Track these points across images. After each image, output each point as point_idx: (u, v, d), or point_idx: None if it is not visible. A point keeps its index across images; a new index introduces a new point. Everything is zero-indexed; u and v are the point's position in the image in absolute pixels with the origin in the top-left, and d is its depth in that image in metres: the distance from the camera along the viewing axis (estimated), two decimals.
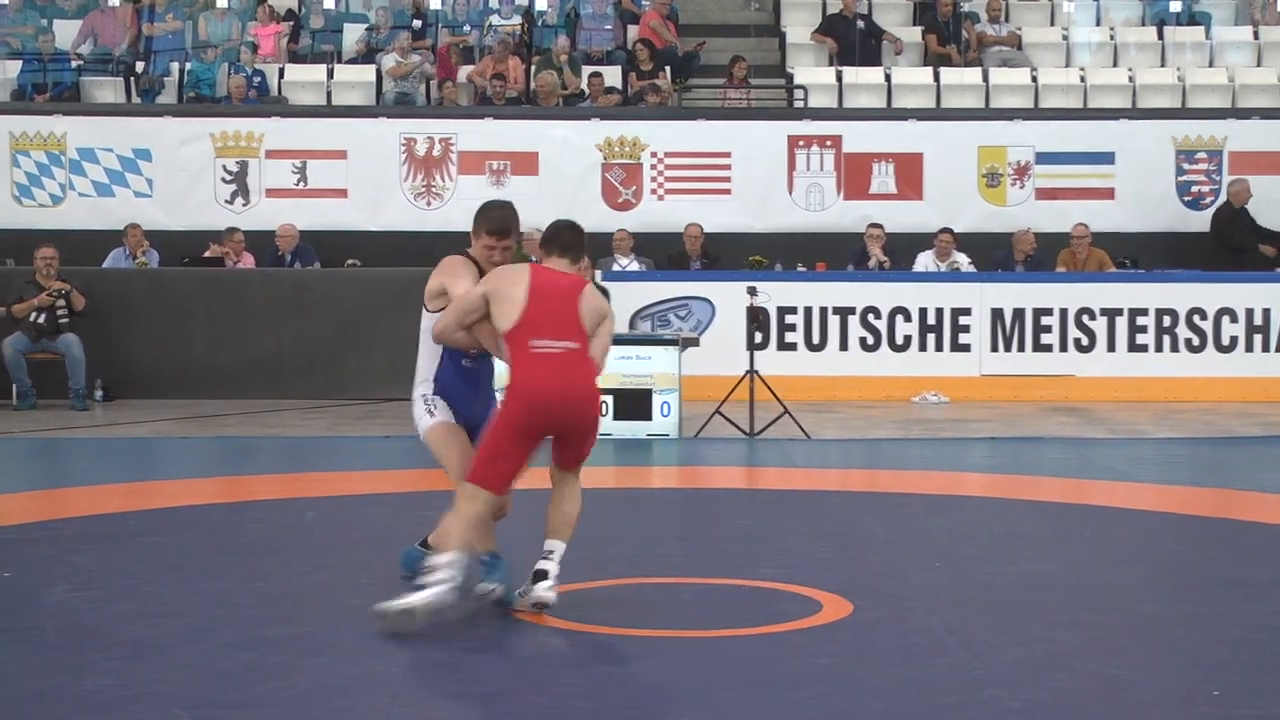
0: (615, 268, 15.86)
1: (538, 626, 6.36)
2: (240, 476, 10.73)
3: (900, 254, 16.40)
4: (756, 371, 12.78)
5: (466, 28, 19.97)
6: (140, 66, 19.15)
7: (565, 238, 6.69)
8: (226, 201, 17.44)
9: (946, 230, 16.30)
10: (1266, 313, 15.50)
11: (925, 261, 16.18)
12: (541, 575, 6.46)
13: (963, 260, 16.19)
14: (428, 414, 6.75)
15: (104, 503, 9.49)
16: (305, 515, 9.02)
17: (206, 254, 16.19)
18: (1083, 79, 19.01)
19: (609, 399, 12.45)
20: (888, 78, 19.09)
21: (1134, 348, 15.51)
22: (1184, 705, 5.34)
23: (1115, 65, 19.54)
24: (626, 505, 9.82)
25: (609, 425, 12.42)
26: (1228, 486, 10.56)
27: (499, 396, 6.60)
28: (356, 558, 7.80)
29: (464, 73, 19.11)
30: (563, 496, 6.68)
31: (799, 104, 18.62)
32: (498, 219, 6.72)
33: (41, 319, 14.63)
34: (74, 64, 19.15)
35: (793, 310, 15.47)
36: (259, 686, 5.50)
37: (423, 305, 6.79)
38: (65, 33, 19.54)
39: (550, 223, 6.79)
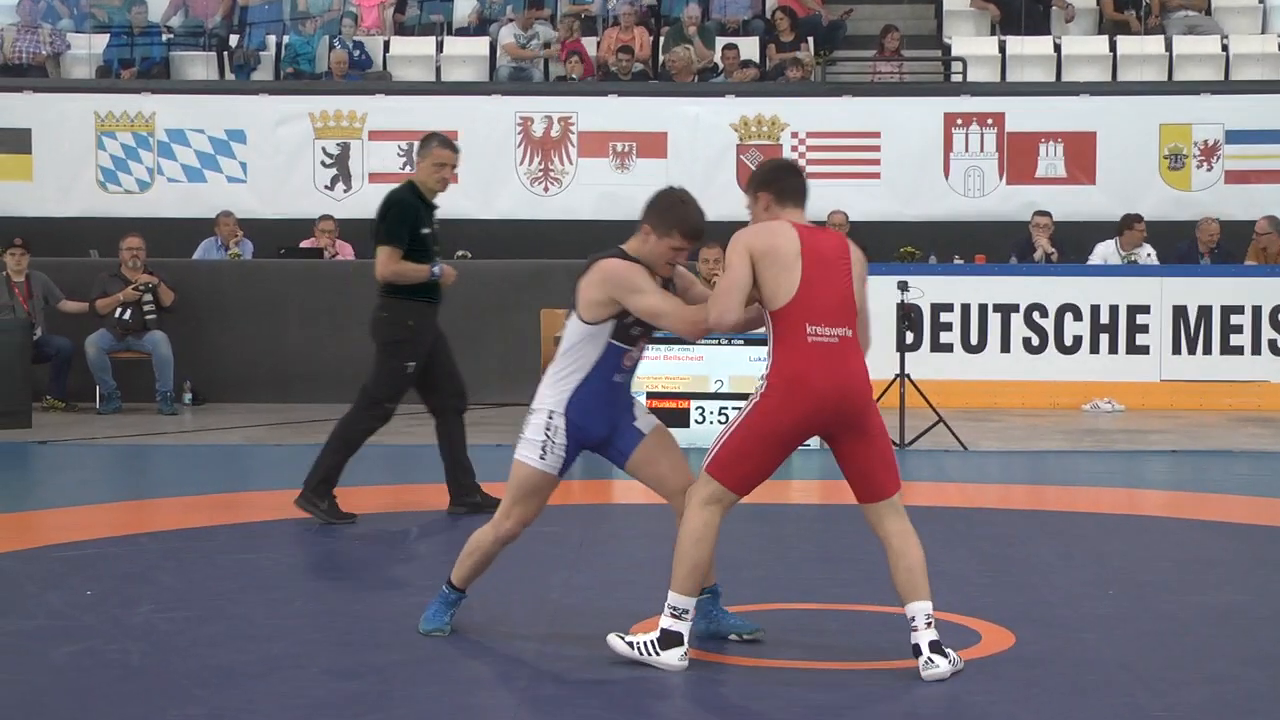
0: None
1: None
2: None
3: (1069, 245, 16.20)
4: (908, 375, 12.69)
5: None
6: (234, 40, 19.46)
7: (795, 182, 6.37)
8: (326, 187, 17.66)
9: (1138, 218, 16.03)
10: None
11: (1105, 252, 15.97)
12: (936, 647, 5.94)
13: (1144, 253, 15.96)
14: (540, 450, 6.38)
15: (192, 516, 9.63)
16: (409, 532, 9.08)
17: (304, 244, 16.38)
18: None
19: (743, 405, 12.37)
20: (1057, 48, 18.89)
21: None
22: None
23: None
24: (761, 522, 9.78)
25: None
26: None
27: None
28: None
29: (587, 45, 19.17)
30: (899, 544, 6.12)
31: (957, 78, 18.48)
32: (696, 219, 6.24)
33: (127, 315, 14.88)
34: (164, 38, 19.50)
35: (948, 308, 15.34)
36: (359, 719, 5.54)
37: (573, 312, 6.37)
38: (155, 4, 19.90)
39: (761, 164, 6.56)
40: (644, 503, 11.02)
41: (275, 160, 17.67)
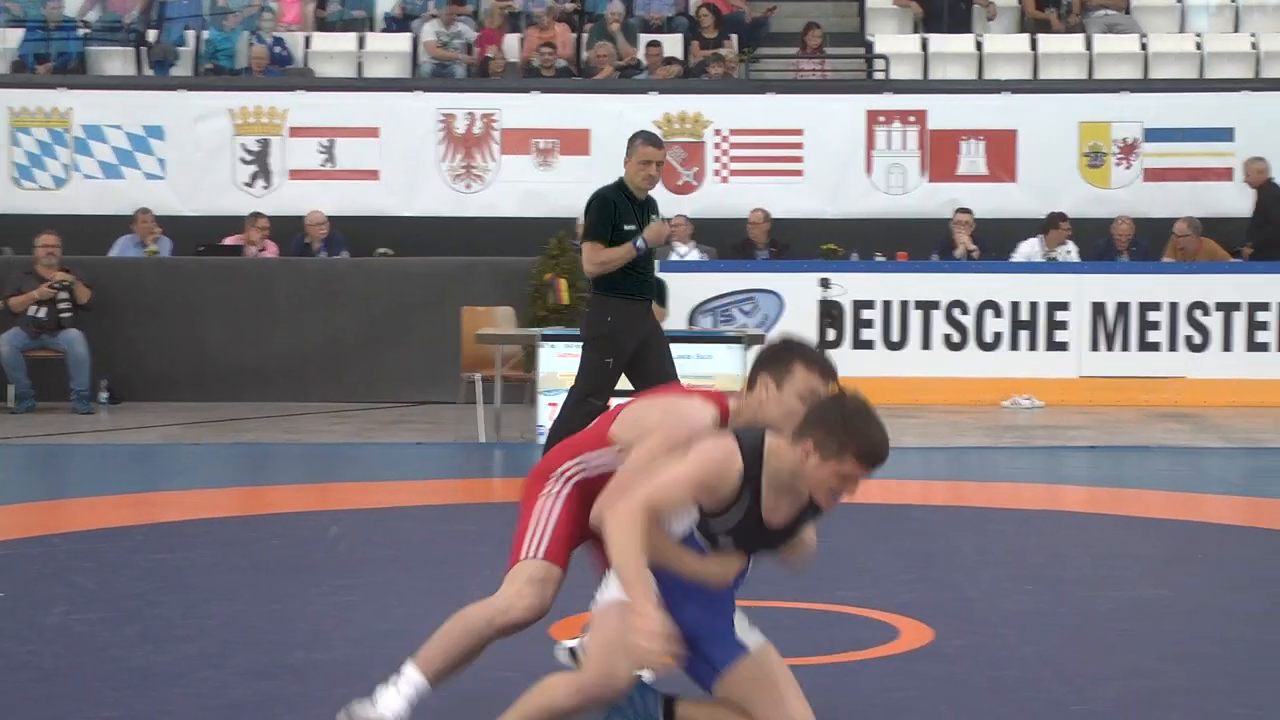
0: (673, 257, 15.83)
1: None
2: (258, 487, 10.78)
3: (991, 242, 16.30)
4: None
5: None
6: (152, 35, 19.29)
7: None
8: (246, 184, 17.53)
9: (1062, 216, 16.15)
10: None
11: (1029, 250, 16.08)
12: None
13: (1065, 251, 16.08)
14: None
15: (108, 515, 9.54)
16: (329, 530, 9.03)
17: (224, 242, 16.26)
18: (1199, 46, 18.86)
19: None
20: (979, 46, 19.00)
21: (1253, 346, 15.35)
22: None
23: (1236, 31, 19.37)
24: None
25: None
26: None
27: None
28: (385, 577, 7.80)
29: (510, 42, 19.13)
30: None
31: (879, 75, 18.55)
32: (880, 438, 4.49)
33: (42, 313, 14.73)
34: (80, 32, 19.30)
35: (870, 305, 15.41)
36: (277, 719, 5.50)
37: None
38: None
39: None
40: None
41: (194, 157, 17.53)
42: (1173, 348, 15.37)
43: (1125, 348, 15.36)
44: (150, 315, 15.25)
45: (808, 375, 4.67)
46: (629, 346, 9.49)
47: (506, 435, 12.80)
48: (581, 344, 9.74)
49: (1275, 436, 13.35)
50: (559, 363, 12.51)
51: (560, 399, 12.38)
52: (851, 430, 4.41)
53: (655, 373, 9.38)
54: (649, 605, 4.30)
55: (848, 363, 14.22)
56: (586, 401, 9.35)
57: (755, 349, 12.78)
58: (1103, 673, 6.05)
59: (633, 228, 9.48)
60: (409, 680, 4.98)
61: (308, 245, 16.45)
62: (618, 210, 9.51)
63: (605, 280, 9.51)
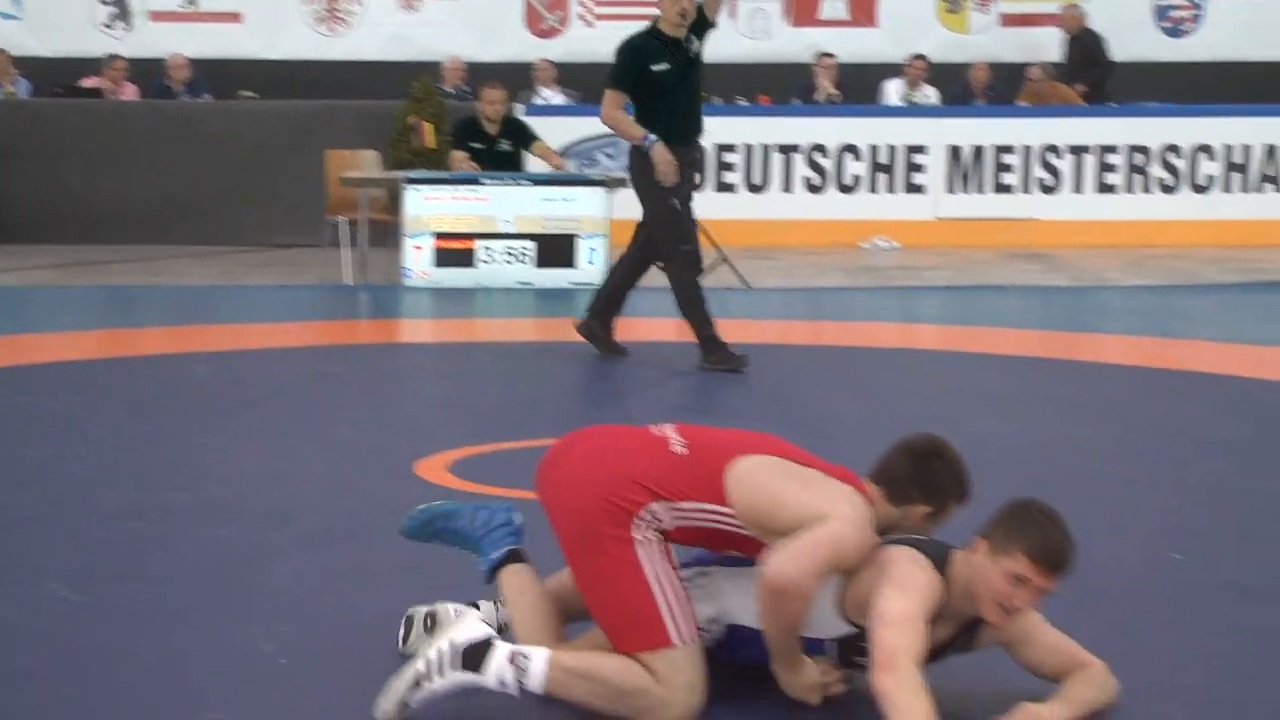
0: (537, 101, 15.72)
1: (443, 490, 6.37)
2: (123, 329, 10.65)
3: (851, 87, 16.32)
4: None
5: None
6: None
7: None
8: (105, 25, 17.13)
9: (919, 57, 16.21)
10: (1246, 149, 15.58)
11: (893, 91, 16.13)
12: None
13: (925, 94, 16.15)
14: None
15: None
16: (196, 372, 8.96)
17: (81, 84, 15.90)
18: None
19: (530, 244, 12.41)
20: None
21: (1102, 188, 15.57)
22: (1142, 571, 5.43)
23: None
24: (549, 360, 9.82)
25: (529, 274, 12.40)
26: (1202, 338, 10.68)
27: None
28: (254, 417, 7.78)
29: None
30: None
31: None
32: (1061, 543, 4.07)
33: None
34: None
35: (731, 148, 15.41)
36: (146, 558, 5.49)
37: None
38: None
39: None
40: (430, 341, 11.02)
41: None
42: (1025, 190, 15.55)
43: (980, 190, 15.52)
44: (9, 157, 14.90)
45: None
46: (685, 185, 8.97)
47: (372, 278, 12.74)
48: (639, 201, 9.11)
49: (1122, 275, 13.58)
50: (424, 206, 12.45)
51: (424, 241, 12.39)
52: (1026, 526, 3.99)
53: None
54: None
55: (709, 206, 14.23)
56: (680, 252, 8.98)
57: (618, 191, 12.78)
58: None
59: (665, 67, 8.82)
60: (534, 677, 4.05)
61: (169, 88, 16.14)
62: (646, 55, 8.87)
63: (646, 125, 8.88)
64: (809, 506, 4.04)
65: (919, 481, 4.22)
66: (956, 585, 4.05)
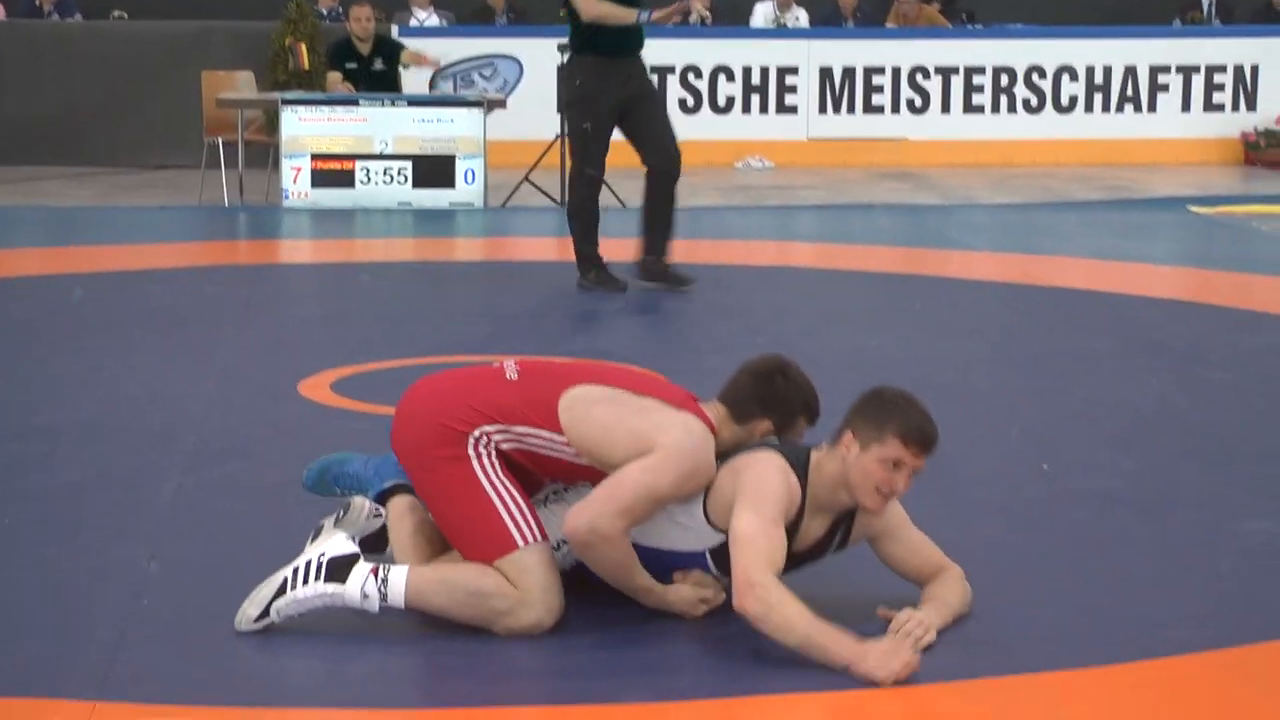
0: (412, 23, 15.52)
1: (325, 408, 6.32)
2: None
3: (723, 9, 16.27)
4: (568, 136, 12.68)
5: None
6: None
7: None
8: None
9: None
10: (1108, 70, 15.72)
11: (764, 11, 16.09)
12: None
13: (793, 17, 16.13)
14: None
15: None
16: (73, 292, 8.80)
17: None
18: None
19: (408, 165, 12.30)
20: None
21: (970, 109, 15.66)
22: (1013, 480, 5.50)
23: None
24: (429, 279, 9.76)
25: (409, 194, 12.30)
26: (1065, 254, 10.79)
27: None
28: (134, 339, 7.66)
29: None
30: None
31: None
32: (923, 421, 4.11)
33: None
34: None
35: None
36: (26, 479, 5.40)
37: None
38: None
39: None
40: (310, 262, 10.90)
41: None
42: (895, 110, 15.60)
43: (851, 110, 15.55)
44: None
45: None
46: (605, 107, 8.73)
47: (251, 199, 12.56)
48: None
49: (988, 194, 13.69)
50: (300, 127, 12.28)
51: (302, 162, 12.24)
52: (891, 411, 4.02)
53: (645, 133, 8.85)
54: (864, 651, 3.79)
55: None
56: (582, 173, 8.90)
57: (494, 112, 12.68)
58: (824, 417, 6.20)
59: None
60: (395, 589, 4.04)
61: (38, 7, 15.76)
62: None
63: (579, 38, 8.74)
64: (639, 436, 4.04)
65: (761, 398, 4.23)
66: (824, 481, 4.07)
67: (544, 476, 4.24)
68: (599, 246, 8.96)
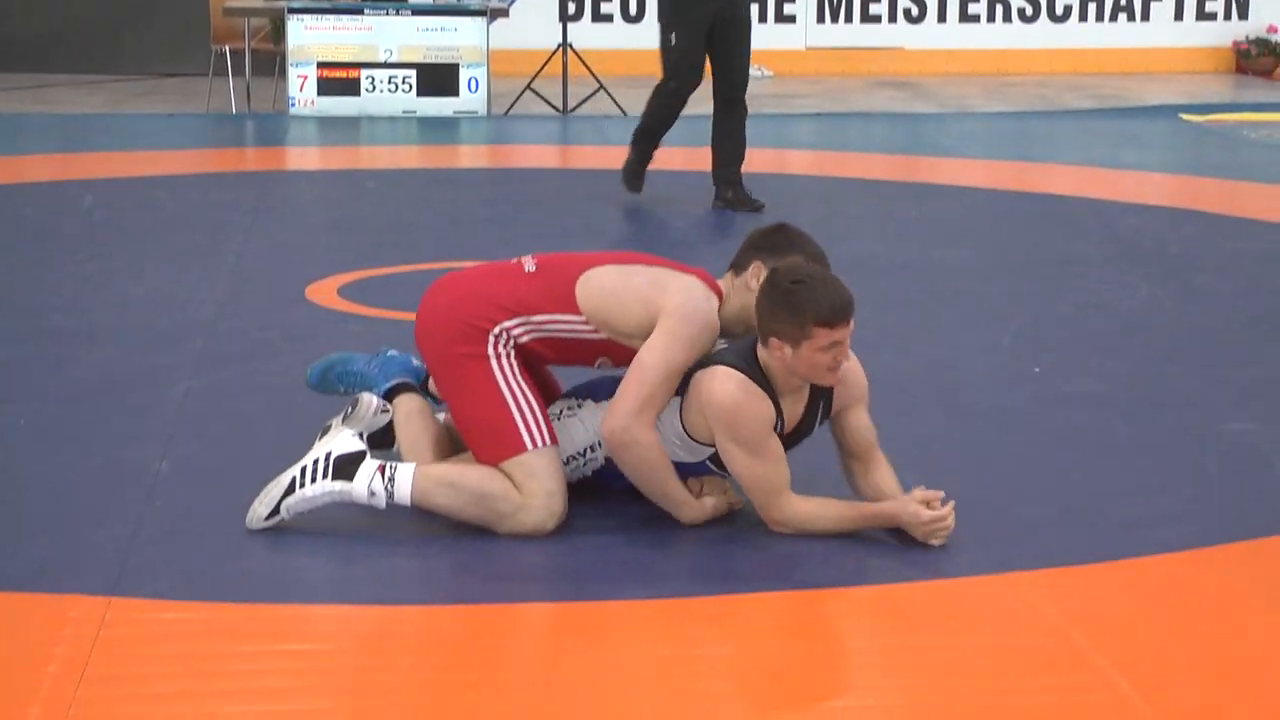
0: None
1: (332, 313, 6.33)
2: (8, 157, 10.38)
3: None
4: (570, 44, 12.59)
5: None
6: None
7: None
8: None
9: None
10: None
11: None
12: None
13: None
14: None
15: None
16: (84, 199, 8.78)
17: None
18: None
19: (412, 73, 12.23)
20: None
21: (965, 18, 15.54)
22: (1006, 383, 5.51)
23: None
24: (432, 186, 9.73)
25: (413, 102, 12.23)
26: (1058, 161, 10.75)
27: None
28: (143, 244, 7.65)
29: None
30: None
31: None
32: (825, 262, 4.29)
33: None
34: None
35: None
36: (36, 381, 5.41)
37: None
38: None
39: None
40: (317, 169, 10.86)
41: None
42: (893, 19, 15.48)
43: (849, 20, 15.44)
44: None
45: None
46: (698, 22, 8.53)
47: (258, 107, 12.49)
48: None
49: (984, 102, 13.62)
50: (306, 35, 12.20)
51: (308, 70, 12.17)
52: (804, 302, 3.94)
53: (720, 59, 8.68)
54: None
55: (587, 36, 14.10)
56: (666, 84, 8.71)
57: (497, 21, 12.59)
58: None
59: None
60: (401, 487, 4.08)
61: None
62: None
63: None
64: (645, 299, 4.09)
65: (755, 244, 4.26)
66: (778, 376, 4.04)
67: (566, 362, 4.28)
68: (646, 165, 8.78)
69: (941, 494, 4.05)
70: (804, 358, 3.98)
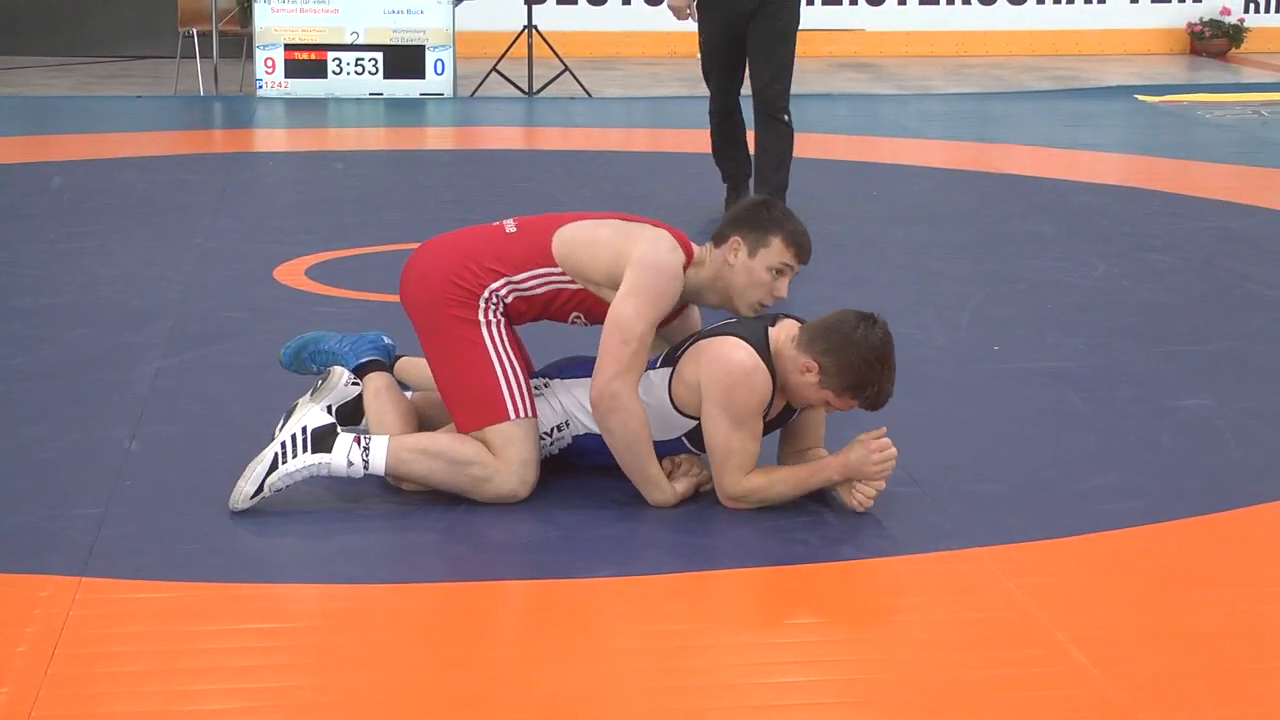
0: None
1: (300, 293, 6.30)
2: None
3: None
4: (535, 27, 12.56)
5: None
6: None
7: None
8: None
9: None
10: None
11: None
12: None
13: None
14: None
15: None
16: (52, 180, 8.72)
17: None
18: None
19: (378, 55, 12.19)
20: None
21: (925, 0, 15.56)
22: (963, 360, 5.52)
23: None
24: (399, 167, 9.70)
25: (379, 84, 12.19)
26: (1016, 142, 10.77)
27: None
28: (110, 225, 7.60)
29: None
30: None
31: None
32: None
33: None
34: None
35: None
36: (7, 360, 5.37)
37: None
38: None
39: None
40: (285, 150, 10.81)
41: None
42: (853, 1, 15.49)
43: (810, 1, 15.41)
44: None
45: (784, 251, 4.15)
46: (713, 12, 7.72)
47: (226, 89, 12.43)
48: None
49: (943, 84, 13.63)
50: (273, 18, 12.14)
51: (275, 52, 12.10)
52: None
53: (754, 63, 7.84)
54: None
55: (553, 19, 14.05)
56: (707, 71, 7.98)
57: (463, 3, 12.54)
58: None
59: None
60: (377, 456, 4.10)
61: None
62: None
63: None
64: (614, 248, 4.13)
65: (734, 218, 4.23)
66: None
67: (544, 317, 4.28)
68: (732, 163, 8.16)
69: (884, 429, 4.09)
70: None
